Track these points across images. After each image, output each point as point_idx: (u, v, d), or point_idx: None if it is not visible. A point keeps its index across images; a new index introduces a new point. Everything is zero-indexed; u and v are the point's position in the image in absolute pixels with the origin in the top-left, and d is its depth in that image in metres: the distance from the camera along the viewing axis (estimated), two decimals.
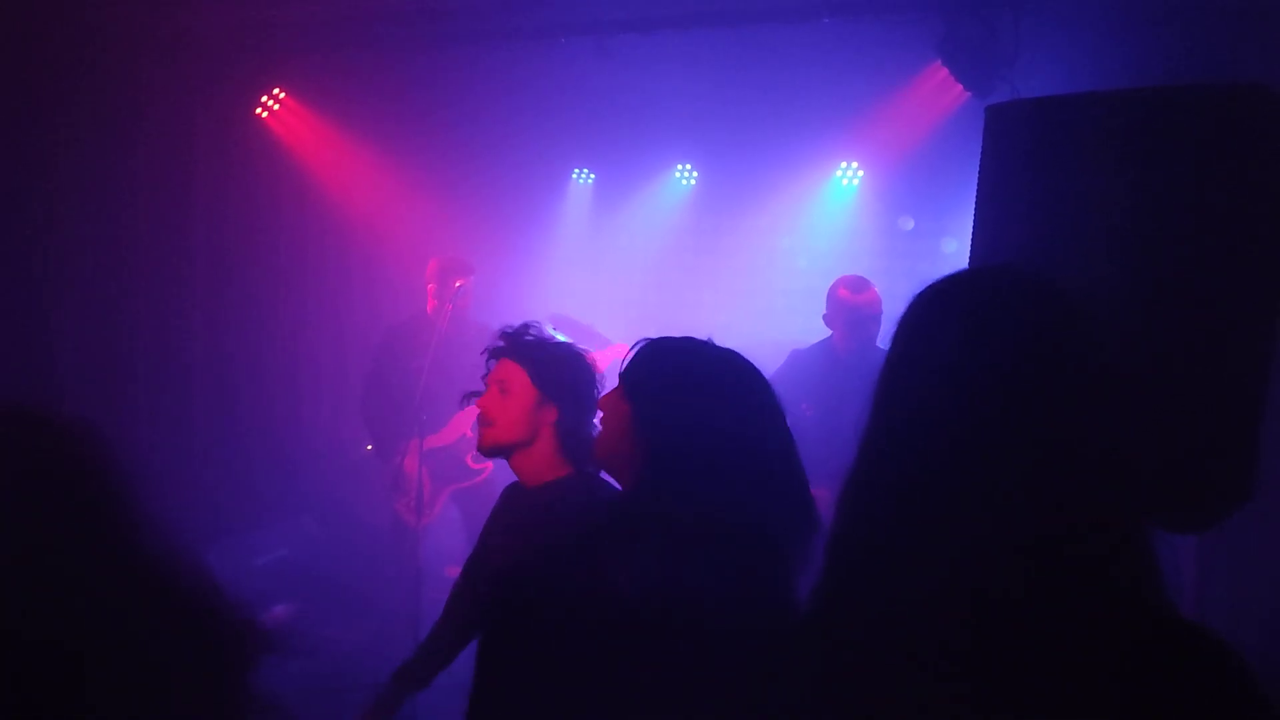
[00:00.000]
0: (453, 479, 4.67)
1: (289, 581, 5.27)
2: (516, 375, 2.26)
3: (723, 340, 1.76)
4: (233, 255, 5.55)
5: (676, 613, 1.43)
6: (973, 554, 0.99)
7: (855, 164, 6.21)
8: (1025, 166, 1.56)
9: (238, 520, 5.28)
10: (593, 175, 7.24)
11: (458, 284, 4.56)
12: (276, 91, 5.61)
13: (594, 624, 1.45)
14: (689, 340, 1.72)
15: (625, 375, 1.71)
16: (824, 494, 4.30)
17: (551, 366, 2.28)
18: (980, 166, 1.62)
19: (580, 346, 2.42)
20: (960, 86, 4.48)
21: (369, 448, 5.28)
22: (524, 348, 2.31)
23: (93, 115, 4.78)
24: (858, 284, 3.90)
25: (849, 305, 3.87)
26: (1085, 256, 1.46)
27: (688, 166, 6.89)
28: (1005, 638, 0.97)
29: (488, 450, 2.29)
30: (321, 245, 6.20)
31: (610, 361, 5.46)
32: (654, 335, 1.75)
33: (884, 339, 3.89)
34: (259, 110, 5.58)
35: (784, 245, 6.56)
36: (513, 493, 2.37)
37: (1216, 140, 1.36)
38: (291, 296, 6.00)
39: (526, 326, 2.37)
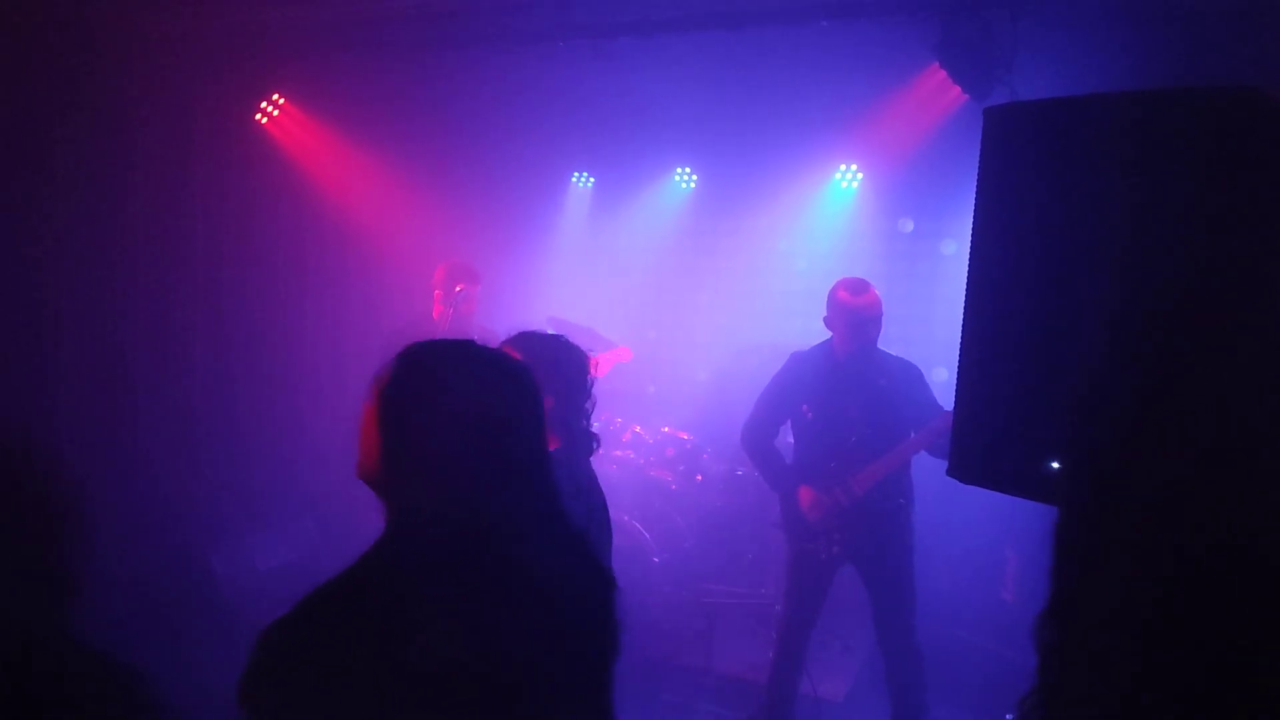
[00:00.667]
0: None
1: (290, 584, 5.26)
2: None
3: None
4: (233, 260, 5.56)
5: (479, 677, 1.33)
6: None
7: (854, 166, 6.21)
8: (1023, 168, 1.56)
9: (240, 523, 5.28)
10: (592, 179, 7.25)
11: (458, 288, 4.56)
12: (275, 97, 5.63)
13: (386, 697, 1.33)
14: (452, 346, 1.57)
15: (378, 389, 1.55)
16: (814, 495, 4.26)
17: (548, 360, 2.48)
18: (979, 168, 1.63)
19: (573, 342, 2.64)
20: (959, 88, 4.49)
21: None
22: (525, 342, 2.54)
23: (92, 120, 4.78)
24: (857, 286, 3.89)
25: (849, 307, 3.86)
26: (1083, 257, 1.47)
27: (687, 170, 6.89)
28: None
29: None
30: (321, 250, 6.20)
31: (613, 364, 5.44)
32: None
33: (883, 341, 3.91)
34: (258, 116, 5.60)
35: (783, 248, 6.56)
36: None
37: (1214, 143, 1.36)
38: (292, 301, 6.01)
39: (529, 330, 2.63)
